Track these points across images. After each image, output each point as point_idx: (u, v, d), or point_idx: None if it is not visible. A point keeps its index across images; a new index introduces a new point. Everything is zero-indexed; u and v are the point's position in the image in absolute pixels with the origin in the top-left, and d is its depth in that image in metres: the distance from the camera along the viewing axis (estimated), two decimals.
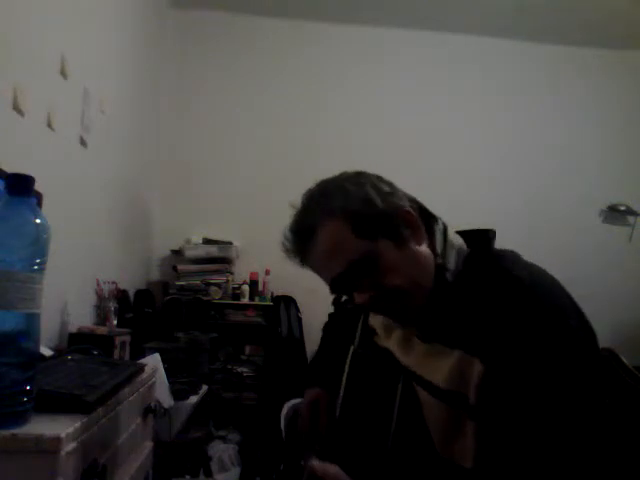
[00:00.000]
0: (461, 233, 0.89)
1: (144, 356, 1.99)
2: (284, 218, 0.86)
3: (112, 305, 2.19)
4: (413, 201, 0.85)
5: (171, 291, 3.20)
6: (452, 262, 0.82)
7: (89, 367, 1.05)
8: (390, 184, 0.85)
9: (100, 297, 2.29)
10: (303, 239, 0.82)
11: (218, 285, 3.22)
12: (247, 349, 3.18)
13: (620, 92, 3.80)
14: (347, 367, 1.01)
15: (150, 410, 1.25)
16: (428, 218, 0.85)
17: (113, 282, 2.38)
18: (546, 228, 3.62)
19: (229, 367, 3.08)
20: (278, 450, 2.63)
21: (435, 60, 3.78)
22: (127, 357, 2.09)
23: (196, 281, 3.21)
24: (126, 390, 1.01)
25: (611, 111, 3.80)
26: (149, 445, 1.28)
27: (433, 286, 0.81)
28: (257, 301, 3.28)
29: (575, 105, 3.81)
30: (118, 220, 2.69)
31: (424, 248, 0.82)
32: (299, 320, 3.25)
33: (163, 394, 1.76)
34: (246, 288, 3.28)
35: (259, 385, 3.05)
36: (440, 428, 0.81)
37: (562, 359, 0.69)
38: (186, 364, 2.35)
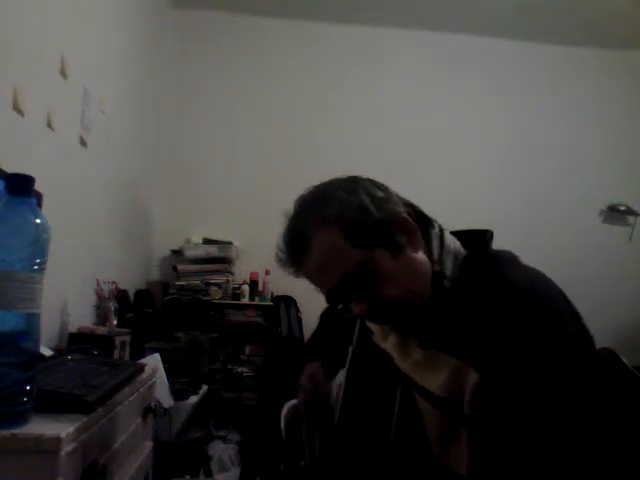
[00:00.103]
0: (457, 233, 0.87)
1: (144, 356, 1.99)
2: (280, 233, 0.84)
3: (112, 305, 2.19)
4: (408, 205, 0.84)
5: (171, 291, 3.20)
6: (449, 268, 0.81)
7: (89, 367, 1.05)
8: (384, 188, 0.83)
9: (100, 297, 2.29)
10: (297, 250, 0.80)
11: (218, 285, 3.22)
12: (247, 349, 3.19)
13: (620, 92, 3.80)
14: (346, 369, 1.00)
15: (150, 410, 1.25)
16: (424, 222, 0.84)
17: (113, 282, 2.38)
18: (546, 228, 3.62)
19: (229, 367, 3.08)
20: (278, 450, 2.63)
21: (435, 60, 3.78)
22: (127, 357, 2.09)
23: (196, 281, 3.21)
24: (126, 390, 1.01)
25: (611, 111, 3.80)
26: (149, 445, 1.28)
27: (431, 294, 0.79)
28: (257, 301, 3.28)
29: (575, 105, 3.81)
30: (118, 220, 2.69)
31: (421, 255, 0.80)
32: (299, 320, 3.26)
33: (163, 394, 1.76)
34: (246, 288, 3.28)
35: (259, 385, 3.05)
36: (437, 434, 0.80)
37: (559, 370, 0.68)
38: (186, 364, 2.35)
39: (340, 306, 0.83)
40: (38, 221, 0.70)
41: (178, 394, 1.96)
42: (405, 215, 0.80)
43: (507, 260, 0.82)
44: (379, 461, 0.87)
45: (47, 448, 0.66)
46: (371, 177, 0.86)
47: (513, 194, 3.66)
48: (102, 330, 1.99)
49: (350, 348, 1.02)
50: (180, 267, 3.24)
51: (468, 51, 3.78)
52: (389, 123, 3.67)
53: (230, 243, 3.35)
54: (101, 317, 2.25)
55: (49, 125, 1.73)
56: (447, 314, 0.78)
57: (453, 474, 0.76)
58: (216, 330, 2.88)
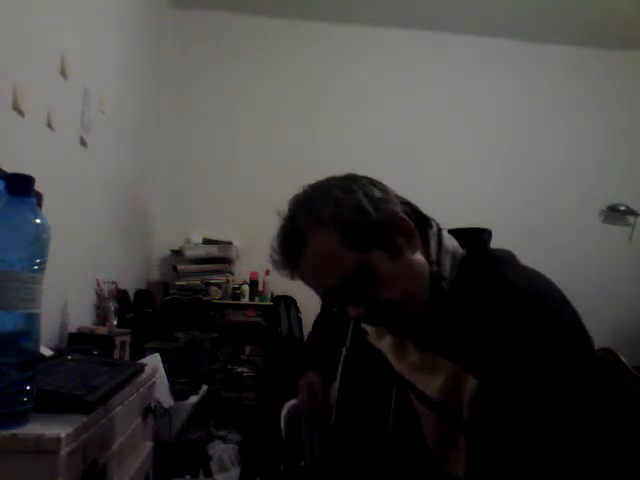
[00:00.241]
0: (455, 232, 0.86)
1: (144, 356, 1.99)
2: (274, 233, 0.82)
3: (112, 305, 2.19)
4: (406, 204, 0.82)
5: (171, 291, 3.20)
6: (447, 269, 0.79)
7: (89, 367, 1.05)
8: (382, 187, 0.81)
9: (100, 297, 2.29)
10: (292, 252, 0.78)
11: (218, 285, 3.22)
12: (247, 349, 3.19)
13: (620, 92, 3.80)
14: (340, 371, 1.00)
15: (150, 410, 1.25)
16: (422, 222, 0.82)
17: (113, 282, 2.38)
18: (546, 228, 3.62)
19: (229, 367, 3.08)
20: (278, 450, 2.63)
21: (435, 60, 3.78)
22: (127, 357, 2.09)
23: (196, 281, 3.21)
24: (126, 390, 1.01)
25: (611, 111, 3.80)
26: (149, 445, 1.28)
27: (429, 297, 0.78)
28: (257, 301, 3.28)
29: (575, 105, 3.81)
30: (118, 220, 2.69)
31: (419, 256, 0.78)
32: (299, 320, 3.25)
33: (163, 394, 1.76)
34: (246, 288, 3.28)
35: (259, 385, 3.05)
36: (434, 437, 0.80)
37: (559, 377, 0.68)
38: (186, 364, 2.35)
39: (335, 309, 0.82)
40: (38, 221, 0.70)
41: (178, 394, 1.96)
42: (403, 215, 0.78)
43: (506, 261, 0.81)
44: (376, 462, 0.87)
45: (47, 448, 0.66)
46: (368, 175, 0.84)
47: (513, 194, 3.66)
48: (102, 330, 1.99)
49: (343, 349, 1.01)
50: (180, 267, 3.24)
51: (468, 51, 3.78)
52: (389, 123, 3.67)
53: (230, 243, 3.35)
54: (101, 317, 2.25)
55: (49, 125, 1.73)
56: (445, 317, 0.77)
57: (450, 477, 0.76)
58: (216, 330, 2.88)
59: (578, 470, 0.66)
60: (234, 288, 3.27)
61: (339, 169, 0.86)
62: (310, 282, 0.80)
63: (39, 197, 1.54)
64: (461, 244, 0.83)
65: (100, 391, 0.85)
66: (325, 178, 0.82)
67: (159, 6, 3.43)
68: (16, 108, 1.50)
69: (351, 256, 0.74)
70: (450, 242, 0.83)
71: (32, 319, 0.70)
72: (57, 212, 1.66)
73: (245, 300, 3.25)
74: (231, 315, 3.19)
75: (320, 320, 1.26)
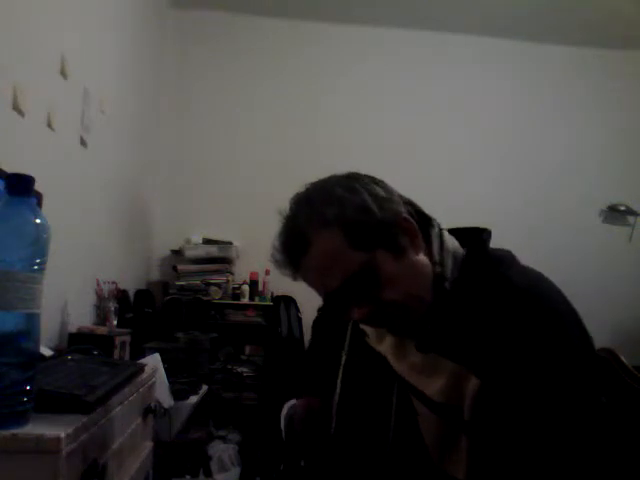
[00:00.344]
0: (454, 231, 0.85)
1: (144, 356, 1.99)
2: (276, 232, 0.81)
3: (112, 305, 2.19)
4: (409, 204, 0.81)
5: (171, 291, 3.21)
6: (449, 269, 0.79)
7: (89, 367, 1.05)
8: (385, 186, 0.80)
9: (100, 297, 2.29)
10: (295, 252, 0.76)
11: (218, 285, 3.22)
12: (247, 349, 3.19)
13: (620, 92, 3.80)
14: (340, 376, 0.99)
15: (150, 410, 1.25)
16: (424, 222, 0.82)
17: (113, 282, 2.38)
18: (546, 228, 3.62)
19: (229, 367, 3.08)
20: (278, 450, 2.63)
21: (435, 60, 3.78)
22: (127, 357, 2.09)
23: (196, 281, 3.21)
24: (126, 390, 1.01)
25: (611, 111, 3.80)
26: (149, 445, 1.28)
27: (433, 297, 0.77)
28: (257, 301, 3.28)
29: (575, 105, 3.81)
30: (118, 220, 2.69)
31: (422, 257, 0.78)
32: (299, 320, 3.26)
33: (163, 394, 1.76)
34: (246, 288, 3.28)
35: (259, 385, 3.05)
36: (434, 439, 0.79)
37: (561, 376, 0.68)
38: (186, 364, 2.35)
39: (337, 310, 0.80)
40: (38, 221, 0.70)
41: (178, 394, 1.96)
42: (407, 215, 0.77)
43: (506, 261, 0.81)
44: (378, 465, 0.87)
45: (47, 448, 0.66)
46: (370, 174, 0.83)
47: (513, 194, 3.66)
48: (102, 330, 1.99)
49: (343, 353, 1.00)
50: (180, 267, 3.24)
51: (468, 51, 3.78)
52: (389, 123, 3.67)
53: (230, 243, 3.35)
54: (101, 317, 2.25)
55: (49, 125, 1.73)
56: (448, 318, 0.77)
57: (451, 478, 0.76)
58: (216, 330, 2.88)
59: (580, 469, 0.66)
60: (234, 288, 3.27)
61: (339, 169, 0.85)
62: (313, 282, 0.79)
63: (39, 197, 1.54)
64: (461, 244, 0.83)
65: (100, 391, 0.85)
66: (327, 177, 0.81)
67: (159, 6, 3.43)
68: (16, 108, 1.50)
69: (355, 256, 0.73)
70: (451, 242, 0.83)
71: (32, 319, 0.70)
72: (57, 212, 1.66)
73: (245, 300, 3.25)
74: (231, 315, 3.20)
75: (318, 325, 1.24)
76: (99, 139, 2.24)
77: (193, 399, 2.07)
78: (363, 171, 0.84)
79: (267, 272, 3.31)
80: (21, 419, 0.68)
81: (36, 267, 0.69)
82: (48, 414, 0.73)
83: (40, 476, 0.66)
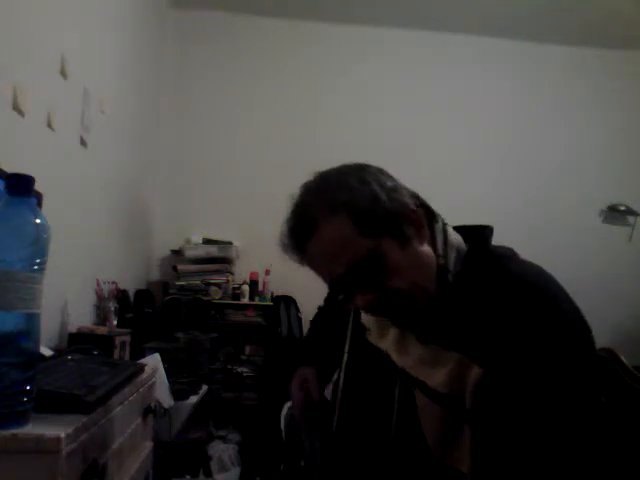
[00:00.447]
0: (458, 229, 0.87)
1: (144, 356, 1.99)
2: (284, 218, 0.82)
3: (112, 305, 2.19)
4: (415, 197, 0.83)
5: (171, 291, 3.20)
6: (452, 262, 0.81)
7: (89, 367, 1.05)
8: (393, 179, 0.81)
9: (100, 297, 2.29)
10: (303, 236, 0.77)
11: (218, 285, 3.22)
12: (247, 349, 3.18)
13: (620, 92, 3.80)
14: (343, 372, 0.99)
15: (150, 410, 1.25)
16: (429, 216, 0.83)
17: (113, 282, 2.38)
18: (546, 228, 3.62)
19: (229, 367, 3.07)
20: (278, 450, 2.63)
21: (435, 60, 3.78)
22: (127, 357, 2.09)
23: (196, 281, 3.21)
24: (126, 390, 1.01)
25: (611, 111, 3.80)
26: (149, 445, 1.28)
27: (436, 288, 0.79)
28: (257, 301, 3.28)
29: (575, 105, 3.81)
30: (118, 220, 2.69)
31: (426, 248, 0.79)
32: (299, 320, 3.25)
33: (163, 394, 1.76)
34: (246, 288, 3.28)
35: (259, 385, 3.05)
36: (437, 431, 0.80)
37: (562, 364, 0.69)
38: (186, 364, 2.35)
39: (341, 297, 0.81)
40: (38, 221, 0.70)
41: (178, 394, 1.96)
42: (414, 207, 0.79)
43: (508, 255, 0.82)
44: (380, 460, 0.87)
45: (47, 448, 0.66)
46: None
47: (513, 194, 3.66)
48: (102, 330, 1.99)
49: (345, 349, 1.00)
50: (180, 267, 3.24)
51: (468, 51, 3.78)
52: (389, 123, 3.67)
53: (230, 243, 3.35)
54: (101, 317, 2.25)
55: (49, 125, 1.73)
56: (451, 309, 0.78)
57: (454, 471, 0.76)
58: (216, 330, 2.88)
59: (582, 458, 0.67)
60: (234, 288, 3.27)
61: None
62: (318, 268, 0.79)
63: (39, 197, 1.54)
64: (464, 241, 0.85)
65: (100, 391, 0.85)
66: (337, 166, 0.82)
67: (159, 6, 3.43)
68: (16, 108, 1.50)
69: (363, 242, 0.74)
70: (454, 237, 0.84)
71: (32, 319, 0.70)
72: (57, 212, 1.66)
73: (245, 300, 3.25)
74: (231, 315, 3.19)
75: (319, 317, 1.25)
76: (99, 139, 2.24)
77: (193, 399, 2.07)
78: None
79: (267, 272, 3.31)
80: (21, 419, 0.68)
81: (36, 267, 0.70)
82: (48, 414, 0.73)
83: (40, 476, 0.66)
